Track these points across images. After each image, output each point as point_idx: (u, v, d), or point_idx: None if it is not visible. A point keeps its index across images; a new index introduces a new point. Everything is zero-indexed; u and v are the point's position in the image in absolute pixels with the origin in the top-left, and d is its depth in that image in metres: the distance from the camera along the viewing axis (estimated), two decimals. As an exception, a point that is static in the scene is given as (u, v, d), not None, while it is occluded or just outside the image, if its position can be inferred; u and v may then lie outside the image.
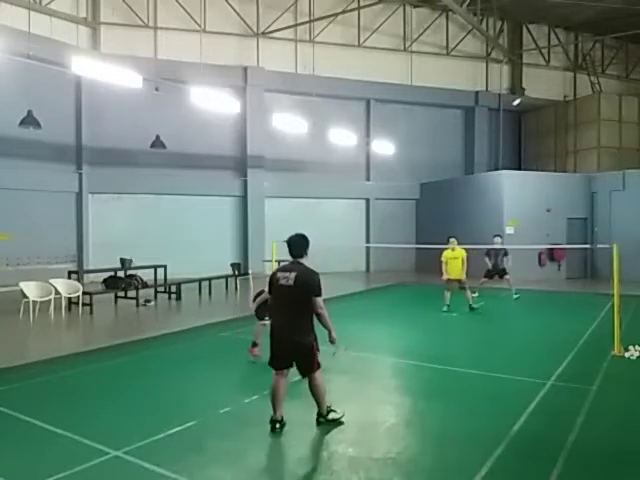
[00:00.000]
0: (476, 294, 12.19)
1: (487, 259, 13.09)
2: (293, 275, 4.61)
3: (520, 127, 24.05)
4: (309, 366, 4.67)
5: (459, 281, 11.23)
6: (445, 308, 11.23)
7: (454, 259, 11.17)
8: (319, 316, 4.60)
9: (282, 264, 5.00)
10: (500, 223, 17.21)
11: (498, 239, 13.10)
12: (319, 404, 4.79)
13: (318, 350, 4.71)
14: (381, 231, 20.59)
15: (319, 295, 4.57)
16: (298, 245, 4.78)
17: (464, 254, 11.23)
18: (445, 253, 11.32)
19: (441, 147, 21.86)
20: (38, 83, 15.52)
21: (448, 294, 11.30)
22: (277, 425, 4.67)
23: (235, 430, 4.77)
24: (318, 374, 4.72)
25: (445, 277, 11.26)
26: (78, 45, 16.88)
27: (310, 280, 4.58)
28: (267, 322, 6.77)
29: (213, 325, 9.86)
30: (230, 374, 6.67)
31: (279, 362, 4.71)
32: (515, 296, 12.77)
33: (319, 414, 4.82)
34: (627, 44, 23.76)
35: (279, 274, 4.73)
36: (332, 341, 4.73)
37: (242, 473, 3.99)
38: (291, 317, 4.62)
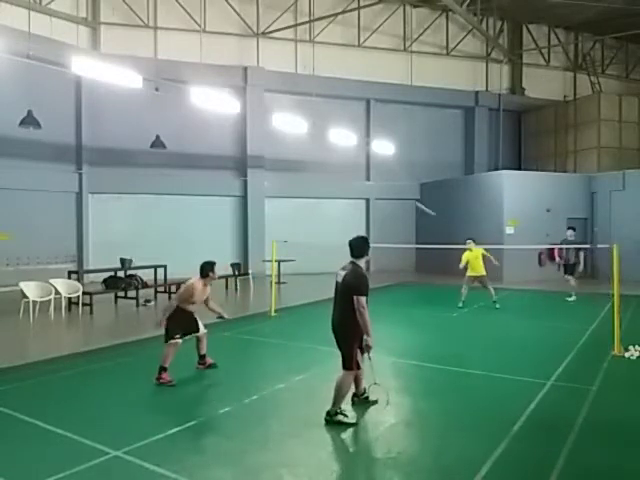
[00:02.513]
0: (570, 296, 12.36)
1: (558, 256, 12.52)
2: (343, 273, 4.97)
3: (520, 127, 24.04)
4: (345, 360, 4.90)
5: (482, 278, 11.70)
6: (461, 304, 11.63)
7: (475, 259, 11.63)
8: (358, 314, 4.77)
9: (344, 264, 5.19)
10: (500, 223, 17.20)
11: (571, 232, 12.45)
12: (334, 402, 4.87)
13: (362, 351, 4.93)
14: (381, 231, 20.56)
15: (361, 294, 4.76)
16: (359, 247, 5.05)
17: (482, 251, 11.77)
18: (465, 255, 11.73)
19: (441, 147, 21.86)
20: (38, 83, 15.52)
21: (465, 291, 11.72)
22: (354, 398, 5.32)
23: (235, 430, 4.77)
24: (350, 374, 4.94)
25: (468, 278, 11.71)
26: (78, 45, 16.88)
27: (353, 280, 4.84)
28: (179, 340, 6.21)
29: (213, 325, 9.84)
30: (230, 374, 6.66)
31: None
32: (570, 299, 12.31)
33: (328, 412, 4.86)
34: (627, 44, 23.76)
35: (339, 271, 5.10)
36: (366, 346, 4.81)
37: (242, 473, 3.99)
38: (338, 311, 5.01)
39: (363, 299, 4.75)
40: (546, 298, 13.67)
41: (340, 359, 4.96)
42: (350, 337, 4.88)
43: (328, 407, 4.87)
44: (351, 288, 4.80)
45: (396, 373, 6.78)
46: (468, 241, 11.78)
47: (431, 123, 21.77)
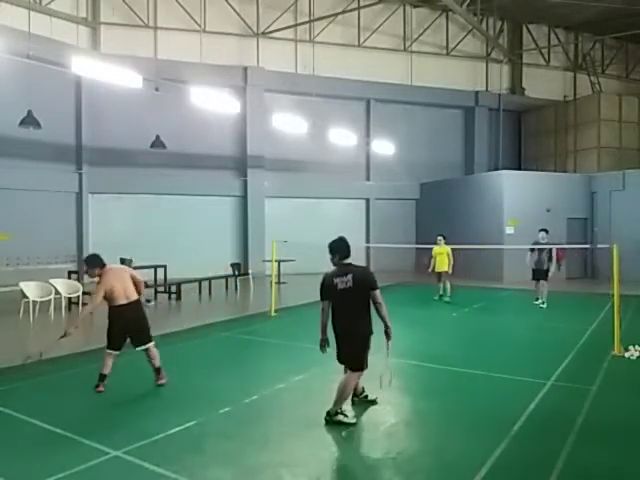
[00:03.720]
0: (543, 303, 11.64)
1: (528, 257, 11.64)
2: (350, 277, 4.82)
3: (520, 127, 24.04)
4: (357, 361, 4.89)
5: (443, 273, 12.54)
6: (436, 297, 12.72)
7: (440, 254, 12.54)
8: (379, 306, 4.86)
9: (332, 270, 5.03)
10: (500, 223, 17.21)
11: (543, 234, 11.59)
12: (335, 402, 4.86)
13: (369, 348, 4.94)
14: (381, 231, 20.59)
15: (377, 288, 4.85)
16: (342, 248, 4.99)
17: (448, 250, 12.53)
18: (434, 249, 12.71)
19: (441, 147, 21.85)
20: (38, 83, 15.51)
21: (440, 285, 12.74)
22: (354, 398, 5.30)
23: (235, 430, 4.77)
24: (357, 375, 4.95)
25: (430, 270, 12.71)
26: (78, 45, 16.88)
27: (367, 277, 4.89)
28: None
29: (213, 325, 9.86)
30: (230, 374, 6.66)
31: (340, 357, 5.04)
32: (542, 305, 11.54)
33: (328, 412, 4.85)
34: (627, 44, 23.77)
35: (336, 280, 4.87)
36: (388, 334, 4.92)
37: (242, 473, 3.99)
38: (355, 317, 4.88)
39: (379, 292, 4.86)
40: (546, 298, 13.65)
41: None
42: (367, 339, 4.92)
43: (328, 407, 4.86)
44: (368, 285, 4.82)
45: (396, 373, 6.77)
46: (439, 238, 12.66)
47: (431, 123, 21.77)
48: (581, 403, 5.33)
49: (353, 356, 4.91)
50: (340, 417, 4.83)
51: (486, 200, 17.99)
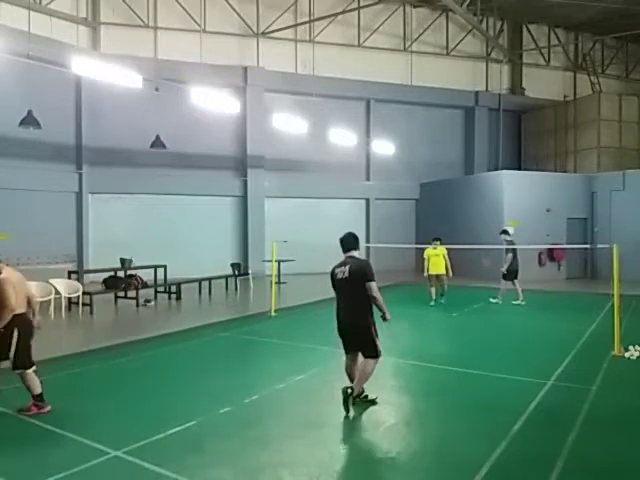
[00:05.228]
0: (500, 300, 12.11)
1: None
2: (347, 267, 5.16)
3: (520, 127, 24.03)
4: (370, 349, 5.11)
5: (440, 276, 12.08)
6: (432, 303, 12.02)
7: (435, 256, 12.06)
8: (373, 300, 5.09)
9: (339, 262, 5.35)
10: (500, 223, 17.15)
11: (502, 236, 12.31)
12: (357, 383, 5.07)
13: (377, 336, 5.16)
14: (381, 231, 20.58)
15: (372, 280, 5.08)
16: (348, 241, 5.34)
17: (444, 252, 12.10)
18: (427, 251, 12.27)
19: (441, 147, 21.85)
20: (38, 83, 15.51)
21: (433, 290, 12.14)
22: (348, 390, 5.18)
23: (235, 430, 4.77)
24: (376, 361, 5.16)
25: (426, 274, 12.13)
26: (78, 45, 16.87)
27: (362, 268, 5.15)
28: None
29: (213, 325, 9.86)
30: (230, 374, 6.66)
31: (346, 346, 5.29)
32: (493, 300, 12.23)
33: (355, 396, 5.02)
34: (627, 44, 23.78)
35: (337, 270, 5.27)
36: (385, 318, 5.16)
37: (242, 473, 3.99)
38: (351, 303, 5.15)
39: (374, 284, 5.04)
40: (546, 298, 13.65)
41: (342, 358, 5.00)
42: (372, 325, 5.11)
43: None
44: (362, 275, 5.03)
45: (396, 373, 6.78)
46: (435, 242, 12.24)
47: (431, 123, 21.76)
48: (581, 403, 5.33)
49: (363, 345, 5.12)
50: (366, 394, 5.15)
51: (486, 200, 17.99)
